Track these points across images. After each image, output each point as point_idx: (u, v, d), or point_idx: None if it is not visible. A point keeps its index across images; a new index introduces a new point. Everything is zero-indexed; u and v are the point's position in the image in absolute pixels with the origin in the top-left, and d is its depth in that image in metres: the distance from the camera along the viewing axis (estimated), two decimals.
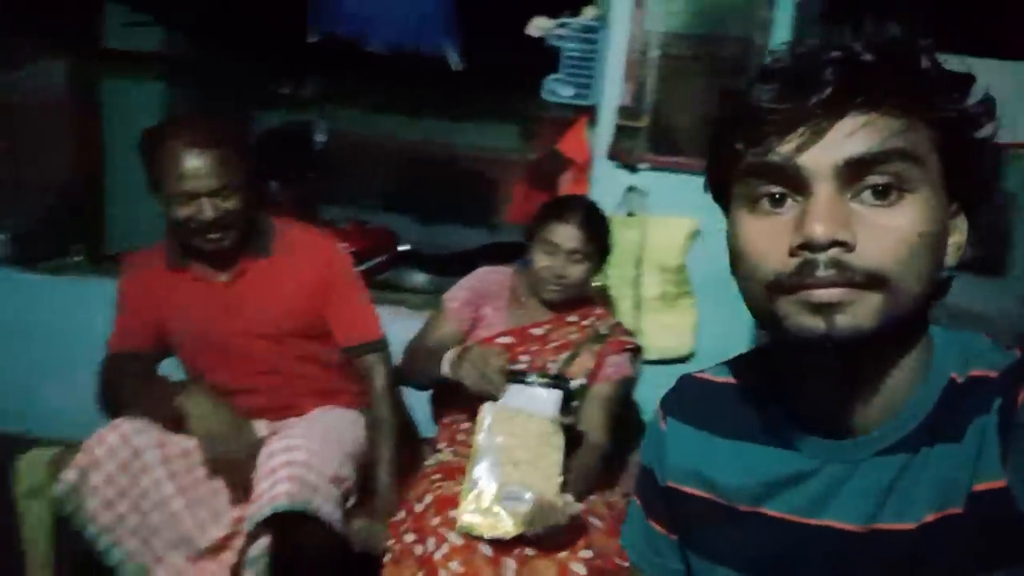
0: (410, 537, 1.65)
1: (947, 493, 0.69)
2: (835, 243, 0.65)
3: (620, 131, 2.51)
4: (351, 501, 1.82)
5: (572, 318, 1.99)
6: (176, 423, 1.74)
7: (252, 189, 1.83)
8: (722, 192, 0.78)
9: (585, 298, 2.03)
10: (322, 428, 1.83)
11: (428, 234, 4.45)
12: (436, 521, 1.64)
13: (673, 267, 2.50)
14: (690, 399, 0.91)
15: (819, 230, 0.65)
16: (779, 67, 0.69)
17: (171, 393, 1.74)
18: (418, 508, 1.71)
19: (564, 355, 1.92)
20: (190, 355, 1.94)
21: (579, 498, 1.67)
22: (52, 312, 2.68)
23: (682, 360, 2.57)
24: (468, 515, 1.60)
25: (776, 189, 0.69)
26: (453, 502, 1.66)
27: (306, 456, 1.67)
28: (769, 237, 0.70)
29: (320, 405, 1.97)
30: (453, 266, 4.00)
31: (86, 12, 4.82)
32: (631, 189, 2.53)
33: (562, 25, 2.62)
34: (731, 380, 0.89)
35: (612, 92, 2.51)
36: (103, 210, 4.08)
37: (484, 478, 1.64)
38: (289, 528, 1.62)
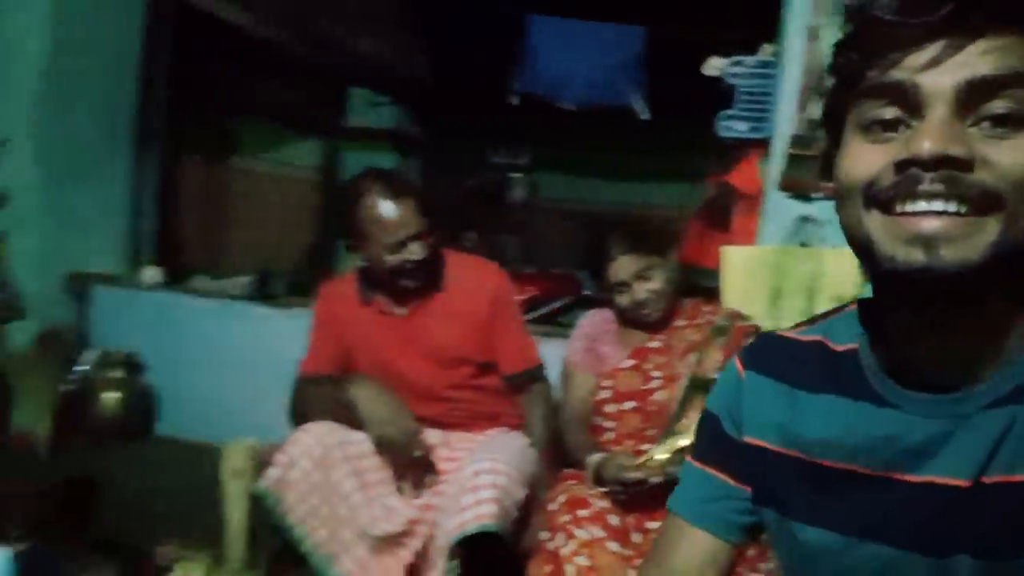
0: (544, 535, 1.71)
1: None
2: (946, 161, 0.60)
3: (792, 160, 2.47)
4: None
5: (680, 322, 1.98)
6: (354, 421, 1.92)
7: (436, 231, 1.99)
8: (837, 122, 0.71)
9: (677, 304, 2.01)
10: (516, 455, 1.91)
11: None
12: (566, 519, 1.69)
13: (849, 299, 2.36)
14: (772, 353, 0.85)
15: (927, 144, 0.60)
16: None
17: (343, 386, 1.92)
18: (552, 507, 1.77)
19: (691, 357, 1.91)
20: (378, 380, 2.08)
21: None
22: (281, 340, 2.86)
23: None
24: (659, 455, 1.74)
25: (892, 112, 0.64)
26: (582, 502, 1.71)
27: (506, 482, 1.75)
28: (878, 158, 0.64)
29: (486, 426, 2.08)
30: None
31: (334, 96, 5.63)
32: (804, 219, 2.46)
33: (737, 63, 2.65)
34: (818, 337, 0.82)
35: (785, 123, 2.49)
36: (335, 260, 4.59)
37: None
38: (477, 543, 1.69)
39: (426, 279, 1.97)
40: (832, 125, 0.72)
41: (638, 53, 3.46)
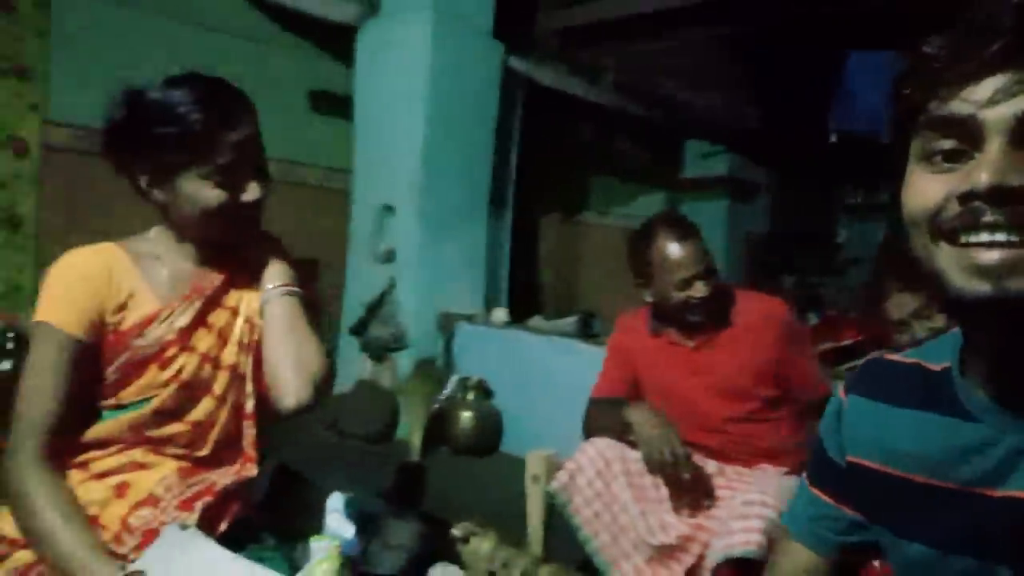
0: None
1: None
2: (1007, 193, 0.60)
3: None
4: None
5: None
6: (632, 441, 2.15)
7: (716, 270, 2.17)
8: (900, 152, 0.73)
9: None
10: (788, 493, 2.01)
11: None
12: None
13: None
14: (873, 375, 0.90)
15: (984, 177, 0.61)
16: (961, 18, 0.65)
17: (623, 408, 2.15)
18: None
19: None
20: (655, 406, 2.25)
21: None
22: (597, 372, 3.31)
23: None
24: None
25: (951, 143, 0.66)
26: None
27: (774, 515, 1.84)
28: (939, 189, 0.66)
29: (762, 463, 2.15)
30: None
31: (672, 150, 5.98)
32: None
33: None
34: (918, 360, 0.85)
35: None
36: None
37: None
38: (742, 568, 1.80)
39: (711, 314, 2.13)
40: (896, 157, 0.75)
41: None
